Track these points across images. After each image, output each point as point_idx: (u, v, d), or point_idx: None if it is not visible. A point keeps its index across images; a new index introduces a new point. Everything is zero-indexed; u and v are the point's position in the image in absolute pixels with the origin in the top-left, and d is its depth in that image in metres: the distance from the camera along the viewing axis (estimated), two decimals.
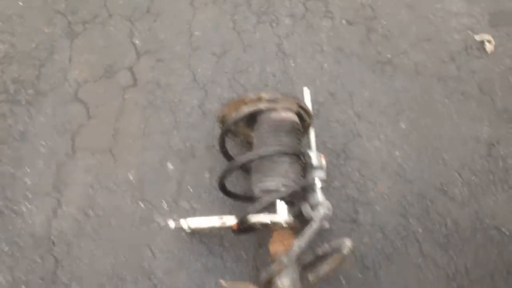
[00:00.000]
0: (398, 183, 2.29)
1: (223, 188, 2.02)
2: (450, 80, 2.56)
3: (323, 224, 1.89)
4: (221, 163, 2.26)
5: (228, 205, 2.20)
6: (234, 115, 1.95)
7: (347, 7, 2.78)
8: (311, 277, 1.73)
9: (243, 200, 2.17)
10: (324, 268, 1.73)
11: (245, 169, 2.19)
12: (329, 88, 2.50)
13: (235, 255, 2.11)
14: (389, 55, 2.62)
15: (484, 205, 2.26)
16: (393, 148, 2.37)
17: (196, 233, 2.13)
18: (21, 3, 2.72)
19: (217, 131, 2.12)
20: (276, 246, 1.85)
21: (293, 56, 2.59)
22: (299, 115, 2.02)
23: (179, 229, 2.02)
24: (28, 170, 2.25)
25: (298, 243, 1.74)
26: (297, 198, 1.97)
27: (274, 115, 1.96)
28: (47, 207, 2.18)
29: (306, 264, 1.96)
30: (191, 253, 2.11)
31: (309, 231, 1.76)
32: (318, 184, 2.02)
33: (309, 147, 2.14)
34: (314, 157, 2.04)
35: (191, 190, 2.23)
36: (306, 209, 1.98)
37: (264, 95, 1.93)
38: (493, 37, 2.69)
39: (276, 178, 1.89)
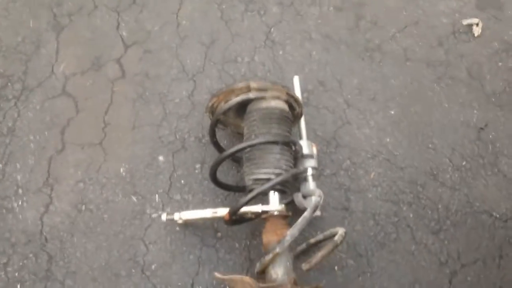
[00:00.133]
0: (389, 170, 2.30)
1: (214, 179, 2.02)
2: (439, 65, 2.57)
3: (315, 212, 1.89)
4: (212, 154, 2.26)
5: (220, 196, 2.20)
6: (224, 105, 1.95)
7: None
8: (304, 265, 1.74)
9: (235, 190, 2.17)
10: (317, 256, 1.74)
11: (236, 159, 2.20)
12: (318, 76, 2.50)
13: (228, 247, 2.11)
14: (377, 42, 2.62)
15: (474, 189, 2.28)
16: (383, 135, 2.37)
17: (189, 225, 2.13)
18: None
19: (207, 122, 2.11)
20: (269, 236, 1.85)
21: (281, 44, 2.58)
22: (288, 103, 2.01)
23: (172, 221, 2.02)
24: (18, 166, 2.23)
25: (291, 232, 1.75)
26: (288, 187, 1.97)
27: (263, 104, 1.96)
28: (38, 203, 2.17)
29: (299, 253, 1.98)
30: (185, 245, 2.11)
31: (301, 220, 1.76)
32: (310, 172, 2.03)
33: (300, 135, 2.14)
34: (305, 145, 2.04)
35: (183, 182, 2.23)
36: (298, 198, 1.98)
37: (253, 84, 1.91)
38: (480, 20, 2.69)
39: (267, 168, 1.89)
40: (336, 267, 2.11)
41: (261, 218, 1.94)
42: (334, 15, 2.69)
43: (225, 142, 2.27)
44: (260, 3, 2.71)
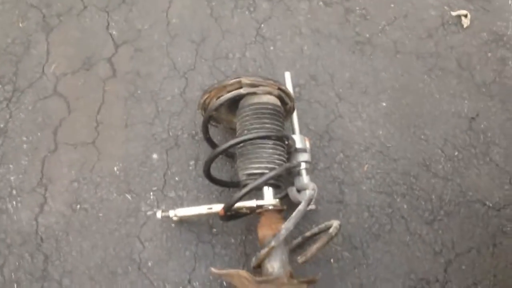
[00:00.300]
0: (382, 161, 2.31)
1: (208, 175, 2.02)
2: (429, 57, 2.58)
3: (309, 206, 1.90)
4: (205, 151, 2.26)
5: (215, 192, 2.21)
6: (216, 102, 1.95)
7: None
8: (299, 258, 1.75)
9: (229, 186, 2.18)
10: (312, 248, 1.75)
11: (230, 155, 2.20)
12: (310, 71, 2.51)
13: (224, 242, 2.12)
14: (367, 35, 2.63)
15: (467, 179, 2.30)
16: (375, 128, 2.38)
17: (184, 222, 2.13)
18: None
19: (200, 118, 2.11)
20: (264, 230, 1.86)
21: (272, 40, 2.59)
22: (280, 98, 2.02)
23: (167, 219, 2.03)
24: (11, 167, 2.23)
25: (286, 226, 1.75)
26: (282, 182, 1.98)
27: (255, 99, 1.96)
28: (33, 204, 2.17)
29: (295, 246, 1.99)
30: (180, 242, 2.11)
31: (296, 213, 1.77)
32: (303, 166, 2.04)
33: (293, 130, 2.15)
34: (298, 140, 2.05)
35: (177, 179, 2.23)
36: (292, 192, 1.99)
37: (245, 79, 1.92)
38: (469, 11, 2.70)
39: (261, 163, 1.89)
40: (332, 260, 2.12)
41: (256, 213, 1.94)
42: (324, 10, 2.69)
43: (218, 138, 2.27)
44: (249, 0, 2.71)
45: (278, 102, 2.01)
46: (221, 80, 1.97)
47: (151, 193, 2.20)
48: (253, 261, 1.83)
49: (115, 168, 2.24)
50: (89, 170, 2.24)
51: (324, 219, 2.12)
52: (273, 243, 1.75)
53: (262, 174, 1.86)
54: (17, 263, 2.06)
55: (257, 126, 1.93)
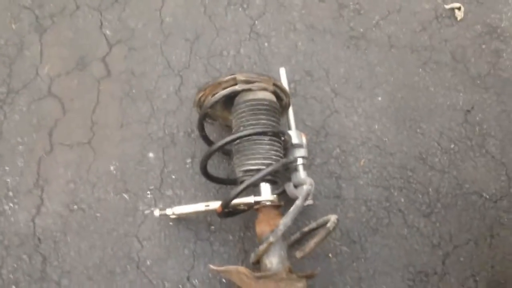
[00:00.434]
0: (379, 156, 2.32)
1: (205, 173, 2.02)
2: (423, 50, 2.58)
3: (307, 201, 1.90)
4: (201, 148, 2.26)
5: (212, 190, 2.21)
6: (211, 99, 1.95)
7: None
8: (298, 253, 1.75)
9: (226, 183, 2.18)
10: (310, 243, 1.75)
11: (226, 152, 2.20)
12: (305, 66, 2.50)
13: (222, 239, 2.12)
14: (361, 30, 2.63)
15: (463, 172, 2.30)
16: (371, 122, 2.38)
17: (182, 220, 2.13)
18: None
19: (195, 116, 2.11)
20: (262, 226, 1.86)
21: (266, 36, 2.58)
22: (276, 94, 2.01)
23: (165, 217, 2.03)
24: (7, 169, 2.23)
25: (283, 221, 1.76)
26: (279, 177, 1.98)
27: (250, 96, 1.96)
28: (30, 205, 2.16)
29: (293, 242, 1.99)
30: (179, 240, 2.11)
31: (293, 209, 1.77)
32: (300, 162, 2.04)
33: (289, 126, 2.15)
34: (294, 135, 2.05)
35: (174, 177, 2.23)
36: (289, 187, 2.00)
37: (239, 76, 1.92)
38: (462, 3, 2.70)
39: (257, 159, 1.89)
40: (330, 254, 2.12)
41: (253, 209, 1.95)
42: (317, 5, 2.69)
43: (214, 135, 2.27)
44: None
45: (273, 98, 2.01)
46: (216, 77, 1.97)
47: (148, 192, 2.20)
48: (252, 257, 1.84)
49: (112, 168, 2.24)
50: (86, 170, 2.23)
51: (321, 214, 2.13)
52: (271, 239, 1.75)
53: (259, 170, 1.86)
54: (15, 265, 2.05)
55: (253, 122, 1.92)
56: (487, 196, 2.26)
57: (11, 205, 2.16)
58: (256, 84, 1.94)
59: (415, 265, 2.13)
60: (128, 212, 2.16)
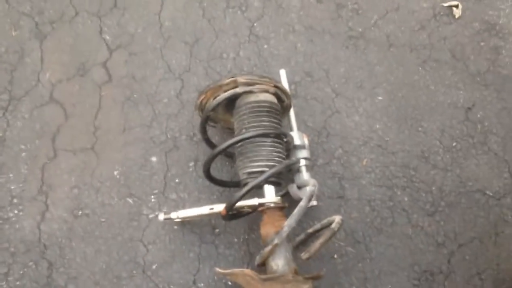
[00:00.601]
0: (381, 155, 2.32)
1: (208, 176, 2.03)
2: (422, 49, 2.59)
3: (311, 202, 1.91)
4: (204, 151, 2.27)
5: (216, 193, 2.21)
6: (212, 102, 1.95)
7: None
8: (303, 254, 1.76)
9: (230, 186, 2.18)
10: (315, 244, 1.76)
11: (229, 155, 2.20)
12: (304, 67, 2.51)
13: (227, 242, 2.13)
14: (360, 29, 2.63)
15: (466, 169, 2.31)
16: (373, 122, 2.39)
17: (186, 224, 2.14)
18: None
19: (197, 119, 2.12)
20: (267, 228, 1.87)
21: (265, 38, 2.59)
22: (277, 95, 2.02)
23: (170, 221, 2.03)
24: (11, 176, 2.23)
25: (288, 223, 1.76)
26: (283, 179, 1.99)
27: (252, 98, 1.96)
28: (34, 212, 2.16)
29: (298, 243, 2.00)
30: (184, 243, 2.12)
31: (297, 210, 1.78)
32: (303, 163, 2.04)
33: (290, 127, 2.15)
34: (296, 137, 2.06)
35: (177, 181, 2.23)
36: (292, 189, 2.00)
37: (240, 78, 1.92)
38: (460, 1, 2.71)
39: (260, 161, 1.90)
40: (335, 255, 2.13)
41: (258, 211, 1.95)
42: (316, 6, 2.69)
43: (216, 138, 2.27)
44: None
45: (274, 100, 2.01)
46: (217, 80, 1.97)
47: (152, 196, 2.20)
48: (257, 260, 1.84)
49: (115, 173, 2.25)
50: (89, 176, 2.24)
51: (325, 215, 2.14)
52: (276, 241, 1.76)
53: (262, 172, 1.86)
54: (21, 272, 2.06)
55: (255, 124, 1.93)
56: (491, 194, 2.27)
57: (16, 212, 2.16)
58: (257, 86, 1.95)
59: (420, 264, 2.14)
60: (132, 216, 2.16)
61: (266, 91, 1.98)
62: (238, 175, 1.97)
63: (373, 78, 2.50)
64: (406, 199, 2.23)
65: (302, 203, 1.79)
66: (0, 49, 2.52)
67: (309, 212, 2.15)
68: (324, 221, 1.91)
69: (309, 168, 2.06)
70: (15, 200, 2.18)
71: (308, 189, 1.88)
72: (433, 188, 2.26)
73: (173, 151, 2.29)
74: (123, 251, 2.10)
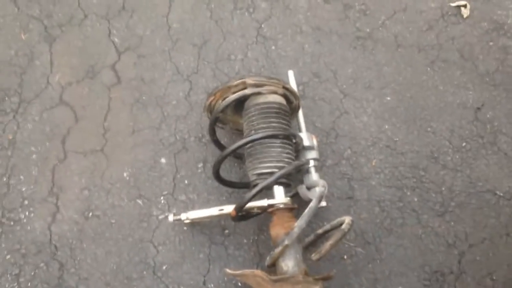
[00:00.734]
0: (390, 156, 2.32)
1: (218, 177, 2.04)
2: (430, 49, 2.59)
3: (320, 203, 1.91)
4: (213, 153, 2.27)
5: (225, 194, 2.22)
6: (221, 103, 1.96)
7: None
8: (314, 255, 1.76)
9: (239, 187, 2.19)
10: (326, 245, 1.75)
11: (238, 156, 2.21)
12: (312, 68, 2.51)
13: (237, 243, 2.13)
14: (368, 30, 2.63)
15: (476, 170, 2.30)
16: (381, 122, 2.39)
17: (196, 225, 2.14)
18: None
19: (206, 121, 2.12)
20: (277, 229, 1.87)
21: (273, 39, 2.60)
22: (285, 97, 2.02)
23: (179, 222, 2.04)
24: (22, 178, 2.24)
25: (298, 224, 1.77)
26: (292, 180, 1.99)
27: (260, 99, 1.97)
28: (45, 213, 2.18)
29: (308, 244, 1.99)
30: (194, 244, 2.13)
31: (307, 211, 1.78)
32: (312, 164, 2.05)
33: (299, 128, 2.16)
34: (305, 137, 2.06)
35: (187, 182, 2.24)
36: (302, 190, 2.00)
37: (249, 80, 1.93)
38: (468, 1, 2.71)
39: (270, 162, 1.90)
40: (345, 256, 2.13)
41: (267, 212, 1.95)
42: (323, 7, 2.70)
43: (225, 140, 2.28)
44: (248, 0, 2.71)
45: (283, 101, 2.02)
46: (226, 82, 1.98)
47: (162, 198, 2.21)
48: (268, 260, 1.84)
49: (125, 174, 2.26)
50: (99, 177, 2.25)
51: (335, 215, 2.14)
52: (286, 242, 1.76)
53: (271, 173, 1.87)
54: (32, 273, 2.07)
55: (264, 125, 1.93)
56: (501, 194, 2.26)
57: (27, 213, 2.18)
58: (266, 87, 1.95)
59: (430, 265, 2.13)
60: (142, 217, 2.17)
61: (275, 92, 1.98)
62: (248, 176, 1.98)
63: (381, 78, 2.49)
64: (415, 199, 2.23)
65: (312, 204, 1.80)
66: (10, 52, 2.54)
67: (318, 213, 2.15)
68: (334, 222, 1.91)
69: (318, 169, 2.06)
70: (26, 202, 2.20)
71: (318, 190, 1.89)
72: (443, 189, 2.26)
73: (182, 152, 2.30)
74: (134, 252, 2.11)
